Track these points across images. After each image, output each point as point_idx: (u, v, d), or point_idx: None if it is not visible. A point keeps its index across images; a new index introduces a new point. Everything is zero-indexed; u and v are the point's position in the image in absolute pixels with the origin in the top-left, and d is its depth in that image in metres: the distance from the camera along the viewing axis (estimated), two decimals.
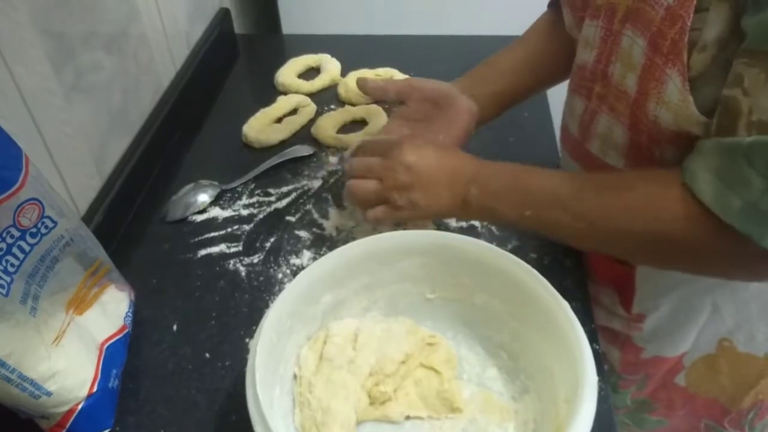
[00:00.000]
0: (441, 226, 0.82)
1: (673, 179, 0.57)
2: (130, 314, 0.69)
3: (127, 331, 0.67)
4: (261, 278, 0.76)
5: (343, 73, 1.11)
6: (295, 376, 0.61)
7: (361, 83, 0.82)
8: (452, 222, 0.83)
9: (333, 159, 0.94)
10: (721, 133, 0.54)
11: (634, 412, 0.88)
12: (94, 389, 0.59)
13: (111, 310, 0.67)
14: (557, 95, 1.05)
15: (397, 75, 1.10)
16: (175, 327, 0.71)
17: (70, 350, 0.58)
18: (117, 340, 0.65)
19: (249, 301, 0.73)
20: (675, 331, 0.76)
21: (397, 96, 0.82)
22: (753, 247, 0.52)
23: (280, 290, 0.74)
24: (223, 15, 1.20)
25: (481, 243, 0.64)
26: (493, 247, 0.63)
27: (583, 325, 0.70)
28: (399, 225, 0.82)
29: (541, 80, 0.88)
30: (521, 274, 0.62)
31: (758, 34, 0.50)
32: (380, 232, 0.81)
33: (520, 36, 0.89)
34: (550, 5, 0.87)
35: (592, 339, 0.69)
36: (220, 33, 1.16)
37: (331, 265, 0.63)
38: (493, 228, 0.82)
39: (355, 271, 0.64)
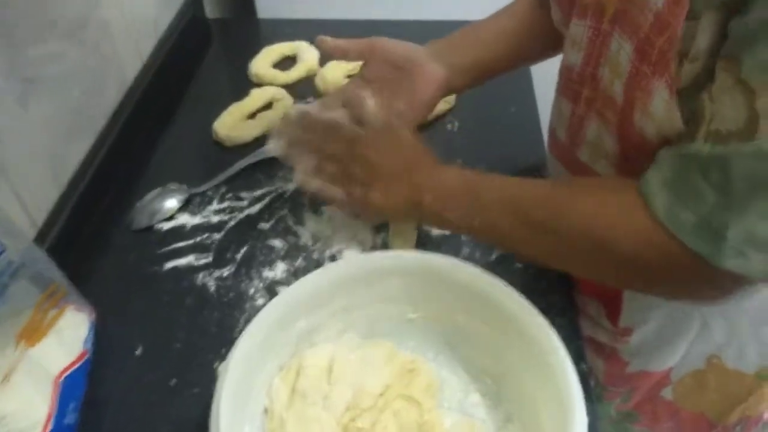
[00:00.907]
0: (421, 235, 0.78)
1: (629, 188, 0.54)
2: (90, 338, 0.65)
3: (86, 357, 0.63)
4: (231, 294, 0.72)
5: (322, 63, 1.06)
6: (266, 410, 0.58)
7: (320, 42, 0.77)
8: (433, 230, 0.79)
9: None
10: (683, 140, 0.51)
11: (617, 422, 0.86)
12: (49, 428, 0.55)
13: (68, 336, 0.62)
14: (544, 93, 1.00)
15: None
16: (139, 350, 0.67)
17: (21, 389, 0.54)
18: (75, 369, 0.61)
19: (218, 319, 0.69)
20: (662, 346, 0.74)
21: (358, 57, 0.78)
22: (704, 266, 0.48)
23: (251, 307, 0.70)
24: None
25: (465, 265, 0.60)
26: (476, 269, 0.60)
27: (570, 341, 0.67)
28: (381, 232, 0.78)
29: (524, 53, 0.83)
30: (505, 300, 0.58)
31: (736, 37, 0.46)
32: (359, 240, 0.78)
33: (504, 7, 0.84)
34: None
35: (579, 357, 0.66)
36: (190, 19, 1.10)
37: (306, 289, 0.59)
38: None
39: (332, 294, 0.61)
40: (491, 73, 0.82)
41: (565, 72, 0.71)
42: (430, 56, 0.77)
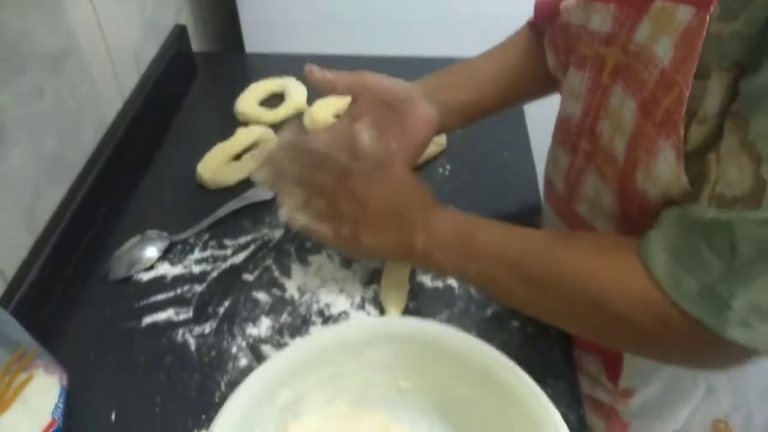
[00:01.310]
0: (414, 288, 0.75)
1: (629, 249, 0.52)
2: (60, 404, 0.60)
3: (56, 426, 0.59)
4: (212, 353, 0.68)
5: (310, 101, 1.02)
6: None
7: (308, 72, 0.71)
8: (427, 281, 0.76)
9: None
10: (687, 200, 0.49)
11: None
12: None
13: (36, 405, 0.58)
14: (539, 137, 0.98)
15: None
16: (113, 416, 0.62)
17: None
18: None
19: (198, 382, 0.65)
20: (665, 409, 0.71)
21: (346, 91, 0.73)
22: (706, 334, 0.46)
23: (233, 368, 0.66)
24: (179, 32, 1.10)
25: (461, 335, 0.57)
26: (473, 340, 0.56)
27: (571, 409, 0.64)
28: (371, 285, 0.75)
29: (518, 93, 0.81)
30: (501, 371, 0.55)
31: (747, 98, 0.44)
32: (348, 293, 0.74)
33: (498, 45, 0.82)
34: (530, 23, 0.80)
35: (581, 425, 0.63)
36: (175, 53, 1.06)
37: (290, 360, 0.55)
38: (472, 291, 0.75)
39: (318, 363, 0.57)
40: (483, 113, 0.80)
41: (562, 122, 0.69)
42: (421, 95, 0.74)
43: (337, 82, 0.72)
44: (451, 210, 0.66)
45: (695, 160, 0.49)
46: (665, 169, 0.50)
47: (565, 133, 0.68)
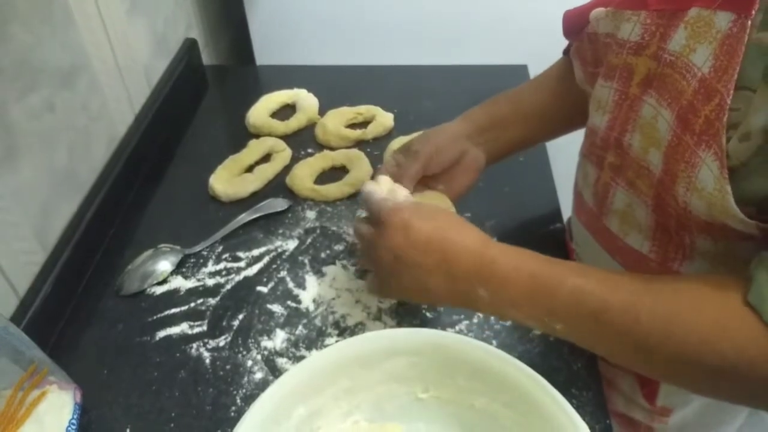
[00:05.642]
0: None
1: (734, 297, 0.47)
2: (74, 421, 0.59)
3: None
4: (227, 366, 0.67)
5: (321, 111, 1.02)
6: None
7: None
8: None
9: (310, 214, 0.85)
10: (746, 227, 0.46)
11: None
12: None
13: (50, 422, 0.57)
14: (554, 144, 0.97)
15: (380, 113, 1.01)
16: None
17: None
18: None
19: (213, 396, 0.64)
20: (706, 429, 0.68)
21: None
22: None
23: (248, 382, 0.65)
24: (190, 46, 1.10)
25: (481, 345, 0.55)
26: (493, 350, 0.54)
27: (597, 420, 0.62)
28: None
29: (560, 127, 0.80)
30: (529, 385, 0.53)
31: None
32: (363, 304, 0.73)
33: (537, 77, 0.80)
34: (565, 53, 0.78)
35: None
36: (186, 67, 1.06)
37: (306, 374, 0.53)
38: None
39: (333, 377, 0.55)
40: (532, 145, 0.81)
41: (589, 134, 0.67)
42: (470, 140, 0.73)
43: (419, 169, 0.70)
44: (503, 250, 0.57)
45: (740, 177, 0.46)
46: (709, 181, 0.47)
47: (590, 146, 0.66)
